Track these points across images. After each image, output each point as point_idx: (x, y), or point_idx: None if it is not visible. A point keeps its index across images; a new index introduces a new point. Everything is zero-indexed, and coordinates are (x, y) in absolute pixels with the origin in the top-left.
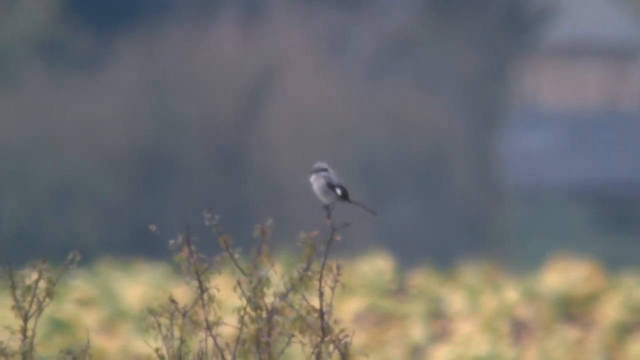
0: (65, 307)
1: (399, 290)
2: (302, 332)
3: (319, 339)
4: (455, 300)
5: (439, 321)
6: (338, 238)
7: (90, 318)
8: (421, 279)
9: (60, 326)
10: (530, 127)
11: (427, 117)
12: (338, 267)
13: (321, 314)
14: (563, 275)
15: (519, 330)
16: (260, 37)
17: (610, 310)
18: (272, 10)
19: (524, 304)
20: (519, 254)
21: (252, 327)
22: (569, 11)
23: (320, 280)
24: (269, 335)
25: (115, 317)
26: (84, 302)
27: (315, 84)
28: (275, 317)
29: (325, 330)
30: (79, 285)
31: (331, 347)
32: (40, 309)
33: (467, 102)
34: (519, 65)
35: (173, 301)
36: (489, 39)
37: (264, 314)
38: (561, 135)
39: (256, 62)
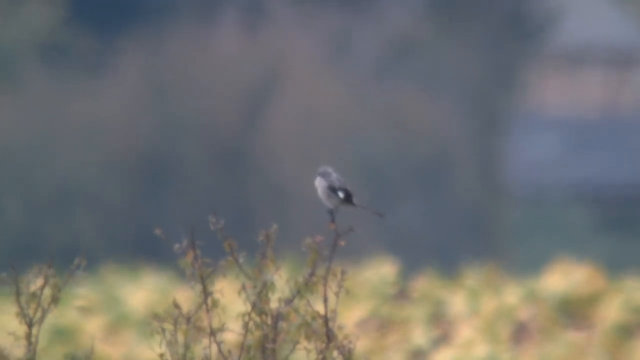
0: (69, 314)
1: (402, 295)
2: (307, 338)
3: (323, 345)
4: (456, 303)
5: (441, 324)
6: (342, 243)
7: (93, 324)
8: (424, 283)
9: (63, 333)
10: (533, 132)
11: (431, 121)
12: (342, 273)
13: (326, 320)
14: (564, 278)
15: (520, 332)
16: (263, 39)
17: (611, 313)
18: (275, 12)
19: (525, 306)
20: (520, 256)
21: (257, 333)
22: (572, 17)
23: (325, 286)
24: (275, 341)
25: (119, 323)
26: (88, 309)
27: (319, 87)
28: (281, 322)
29: (330, 336)
30: (83, 291)
31: (335, 353)
32: (44, 315)
33: (471, 106)
34: (523, 70)
35: (177, 306)
36: (494, 44)
37: (269, 320)
38: (564, 139)
39: (259, 65)
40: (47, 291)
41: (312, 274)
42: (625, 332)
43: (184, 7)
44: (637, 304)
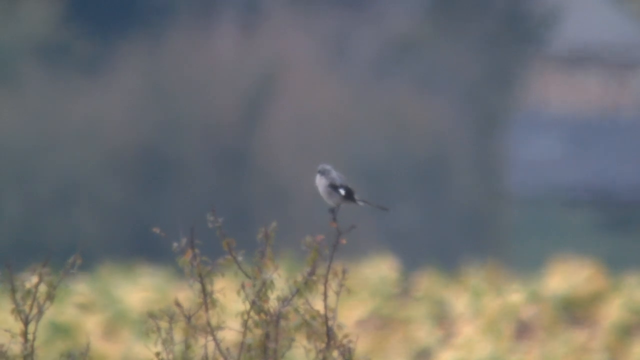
0: (67, 312)
1: (403, 294)
2: (307, 337)
3: (323, 345)
4: (459, 302)
5: (444, 323)
6: (344, 242)
7: (91, 322)
8: (425, 282)
9: (61, 330)
10: (532, 132)
11: (431, 121)
12: (343, 272)
13: (326, 319)
14: (566, 277)
15: (523, 331)
16: (263, 40)
17: (613, 312)
18: (274, 13)
19: (527, 305)
20: (522, 256)
21: (256, 332)
22: (572, 18)
23: (325, 285)
24: (277, 341)
25: (117, 321)
26: (85, 307)
27: (318, 87)
28: (281, 321)
29: (330, 335)
30: (81, 289)
31: (335, 352)
32: (40, 312)
33: (471, 106)
34: (523, 71)
35: (179, 305)
36: (493, 44)
37: (268, 319)
38: (563, 140)
39: (259, 65)
40: (43, 288)
41: (312, 273)
42: (626, 330)
43: (184, 8)
44: (638, 303)
